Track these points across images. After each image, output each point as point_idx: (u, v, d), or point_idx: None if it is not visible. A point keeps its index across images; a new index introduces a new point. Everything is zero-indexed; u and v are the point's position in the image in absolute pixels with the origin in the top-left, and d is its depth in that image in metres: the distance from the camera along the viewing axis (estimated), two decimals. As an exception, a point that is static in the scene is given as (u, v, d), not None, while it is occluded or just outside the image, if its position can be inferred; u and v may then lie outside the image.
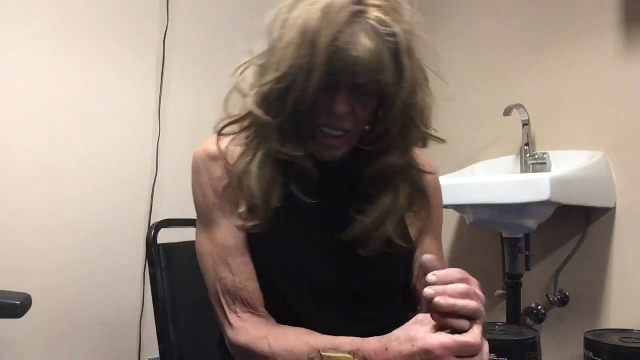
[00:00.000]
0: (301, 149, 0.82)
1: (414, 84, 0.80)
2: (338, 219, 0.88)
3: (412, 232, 0.94)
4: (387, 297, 0.93)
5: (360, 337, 0.79)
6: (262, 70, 0.82)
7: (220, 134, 0.88)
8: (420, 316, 0.76)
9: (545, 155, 1.88)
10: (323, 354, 0.78)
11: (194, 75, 1.81)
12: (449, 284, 0.70)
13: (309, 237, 0.89)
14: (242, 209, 0.85)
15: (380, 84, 0.76)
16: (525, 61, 2.02)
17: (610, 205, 1.77)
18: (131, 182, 1.69)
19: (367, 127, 0.86)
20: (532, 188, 1.53)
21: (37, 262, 1.51)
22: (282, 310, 0.88)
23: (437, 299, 0.69)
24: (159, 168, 1.74)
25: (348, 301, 0.89)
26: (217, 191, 0.89)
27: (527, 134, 1.92)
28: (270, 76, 0.78)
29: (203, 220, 0.92)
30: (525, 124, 1.93)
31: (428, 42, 0.82)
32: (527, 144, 1.92)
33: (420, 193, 0.92)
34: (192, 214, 1.44)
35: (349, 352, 0.77)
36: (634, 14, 1.74)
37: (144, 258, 1.65)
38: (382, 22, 0.75)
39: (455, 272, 0.72)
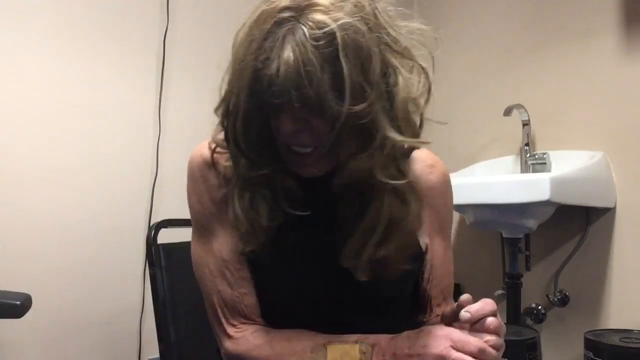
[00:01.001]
0: (271, 165, 0.77)
1: (367, 84, 0.68)
2: (330, 238, 0.84)
3: (422, 238, 0.91)
4: (394, 309, 0.91)
5: None
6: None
7: (212, 157, 0.84)
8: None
9: (545, 155, 1.88)
10: (328, 345, 0.78)
11: (194, 75, 1.81)
12: (482, 318, 0.74)
13: (305, 257, 0.85)
14: (242, 231, 0.82)
15: (306, 99, 0.66)
16: (525, 61, 2.01)
17: (610, 205, 1.77)
18: (131, 182, 1.69)
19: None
20: (532, 188, 1.53)
21: (37, 262, 1.51)
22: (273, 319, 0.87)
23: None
24: (159, 168, 1.74)
25: (351, 318, 0.85)
26: (214, 200, 0.85)
27: (527, 134, 1.92)
28: (218, 103, 0.77)
29: (199, 228, 0.88)
30: (525, 124, 1.92)
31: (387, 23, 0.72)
32: (527, 144, 1.92)
33: (411, 196, 0.81)
34: (192, 214, 1.44)
35: (355, 341, 0.78)
36: (634, 14, 1.74)
37: (144, 258, 1.65)
38: (317, 24, 0.65)
39: (488, 307, 0.75)
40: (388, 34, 0.72)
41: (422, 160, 0.90)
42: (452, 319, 0.77)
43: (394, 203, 0.79)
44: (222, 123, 0.77)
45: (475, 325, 0.74)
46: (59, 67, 1.57)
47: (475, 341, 0.72)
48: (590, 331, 1.59)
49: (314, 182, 0.80)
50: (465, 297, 0.76)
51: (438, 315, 0.94)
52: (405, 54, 0.74)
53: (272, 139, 0.76)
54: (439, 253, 0.93)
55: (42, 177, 1.53)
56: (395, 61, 0.72)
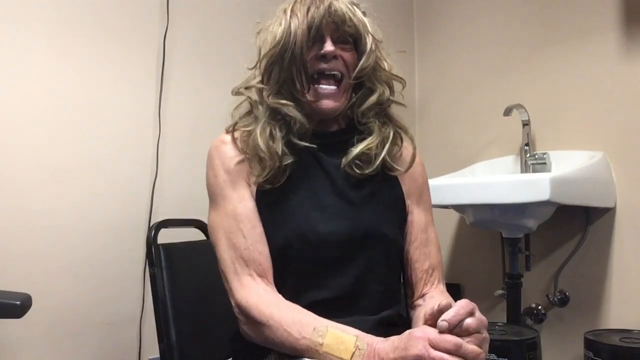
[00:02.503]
0: (293, 101, 0.98)
1: (376, 41, 1.02)
2: (337, 172, 1.00)
3: (406, 198, 1.07)
4: (384, 246, 1.01)
5: (359, 284, 0.96)
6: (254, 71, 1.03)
7: (234, 130, 1.02)
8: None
9: (545, 155, 1.88)
10: (330, 328, 0.84)
11: (194, 75, 1.80)
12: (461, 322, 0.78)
13: (312, 195, 0.99)
14: (257, 169, 0.97)
15: (352, 24, 0.98)
16: (525, 61, 2.02)
17: (610, 205, 1.77)
18: (131, 182, 1.69)
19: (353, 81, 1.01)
20: (532, 188, 1.53)
21: (37, 262, 1.50)
22: (284, 261, 0.96)
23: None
24: (159, 168, 1.73)
25: (350, 248, 0.97)
26: (227, 169, 1.00)
27: (527, 134, 1.92)
28: (266, 49, 0.98)
29: (214, 199, 1.01)
30: (525, 124, 1.93)
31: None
32: (527, 144, 1.92)
33: (402, 128, 1.07)
34: (192, 214, 1.44)
35: (355, 335, 0.83)
36: (634, 14, 1.75)
37: (144, 258, 1.65)
38: None
39: (463, 310, 0.78)
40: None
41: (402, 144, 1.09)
42: (435, 322, 0.80)
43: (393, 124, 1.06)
44: (266, 67, 0.99)
45: (455, 330, 0.77)
46: (59, 67, 1.57)
47: (451, 338, 0.76)
48: (590, 331, 1.59)
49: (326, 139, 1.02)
50: (444, 303, 0.80)
51: (426, 294, 1.02)
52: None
53: (302, 78, 0.98)
54: (419, 221, 1.06)
55: (42, 177, 1.53)
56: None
